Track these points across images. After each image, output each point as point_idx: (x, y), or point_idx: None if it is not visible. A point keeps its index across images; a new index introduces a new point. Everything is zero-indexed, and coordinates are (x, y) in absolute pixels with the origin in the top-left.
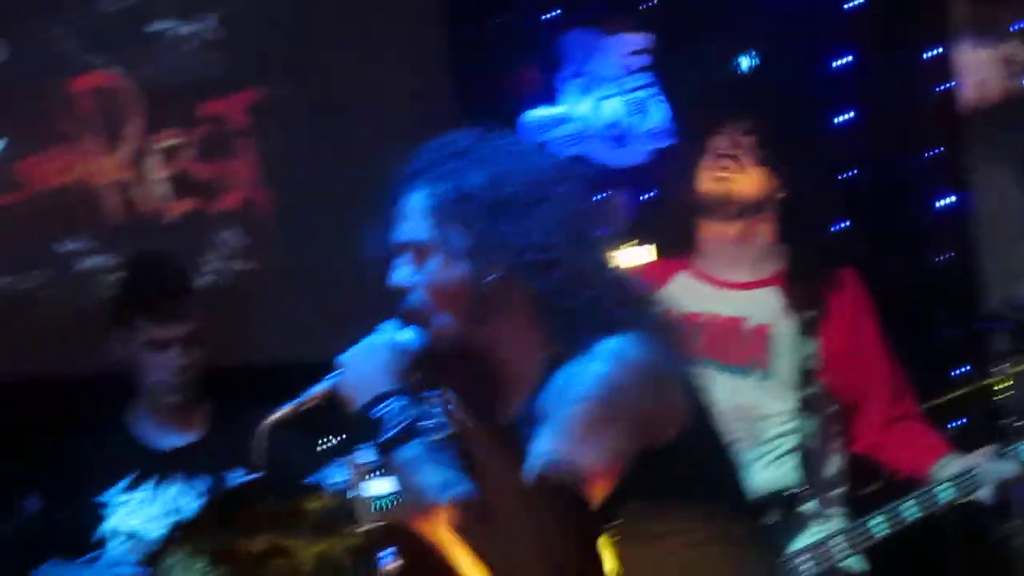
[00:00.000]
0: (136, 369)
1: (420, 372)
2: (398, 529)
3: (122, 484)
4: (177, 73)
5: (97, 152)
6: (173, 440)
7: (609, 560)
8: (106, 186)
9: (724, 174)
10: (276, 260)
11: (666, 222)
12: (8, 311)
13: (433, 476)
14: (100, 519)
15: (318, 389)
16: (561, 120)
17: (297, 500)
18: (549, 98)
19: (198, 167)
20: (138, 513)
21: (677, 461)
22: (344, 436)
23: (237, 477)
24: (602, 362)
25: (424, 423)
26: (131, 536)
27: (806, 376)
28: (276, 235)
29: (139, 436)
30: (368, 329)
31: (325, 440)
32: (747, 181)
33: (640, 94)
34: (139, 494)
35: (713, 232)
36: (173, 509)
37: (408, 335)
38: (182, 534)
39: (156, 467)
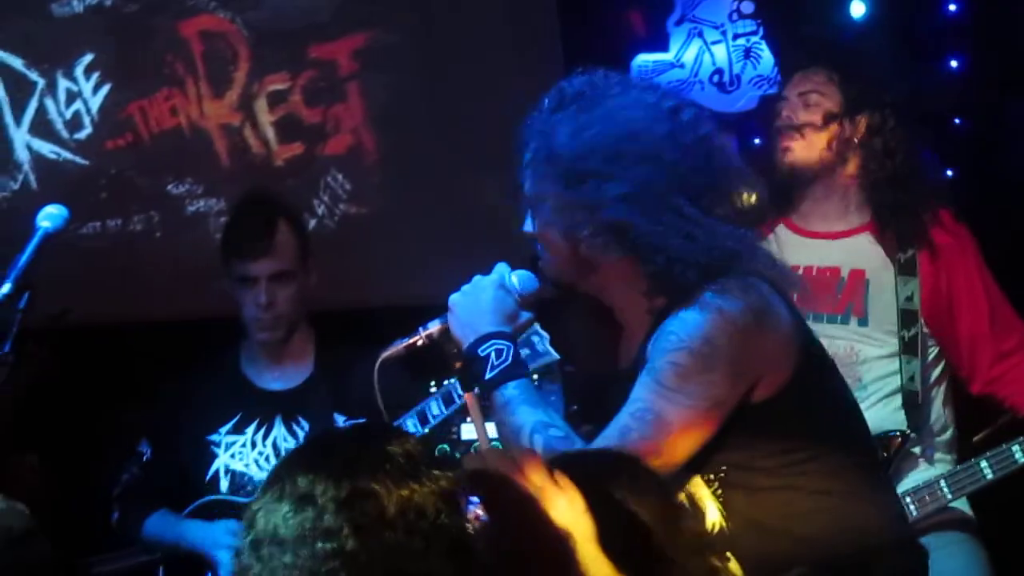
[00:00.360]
0: (239, 307)
1: (528, 314)
2: (488, 475)
3: (229, 424)
4: (285, 17)
5: (206, 95)
6: (279, 382)
7: (712, 510)
8: (215, 129)
9: (786, 143)
10: (382, 203)
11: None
12: (120, 253)
13: (531, 415)
14: (211, 458)
15: (430, 327)
16: (668, 66)
17: (383, 444)
18: (657, 43)
19: (305, 111)
20: (243, 455)
21: (785, 411)
22: (447, 376)
23: (339, 421)
24: (699, 311)
25: (529, 364)
26: (235, 477)
27: (906, 317)
28: (382, 178)
29: (248, 375)
30: (473, 271)
31: (428, 380)
32: (810, 145)
33: (747, 40)
34: (244, 436)
35: (800, 188)
36: (275, 451)
37: (519, 278)
38: (268, 478)
39: (261, 408)
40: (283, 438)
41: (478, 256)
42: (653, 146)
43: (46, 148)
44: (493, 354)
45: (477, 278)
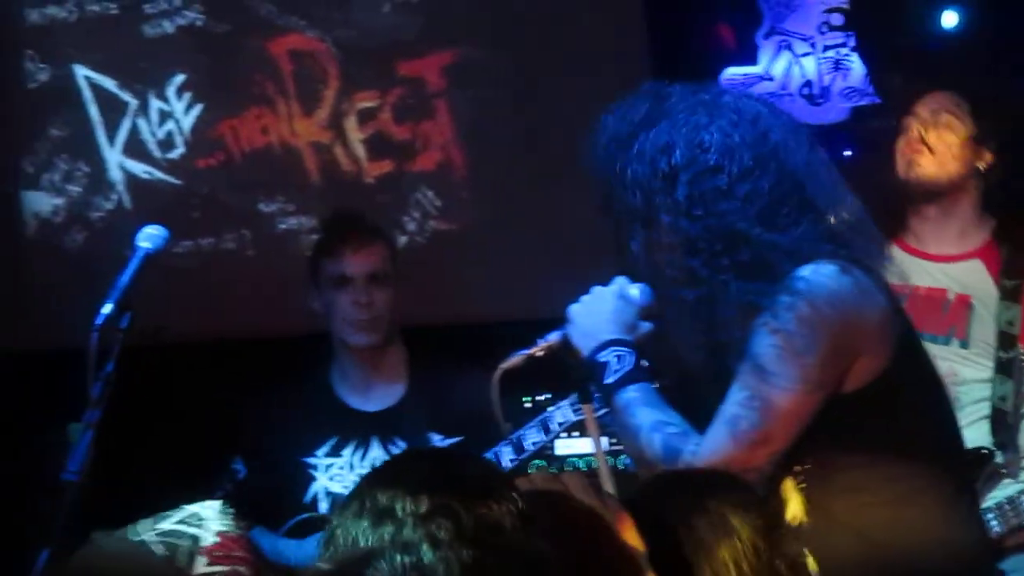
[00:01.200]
0: (330, 318)
1: (648, 325)
2: (552, 496)
3: (326, 446)
4: (373, 34)
5: (296, 114)
6: (374, 403)
7: (794, 503)
8: (305, 147)
9: (917, 158)
10: (472, 219)
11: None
12: (212, 271)
13: (649, 416)
14: (308, 480)
15: (549, 338)
16: (758, 79)
17: (460, 464)
18: (746, 57)
19: (395, 128)
20: (342, 477)
21: (875, 406)
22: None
23: (434, 440)
24: (793, 294)
25: (646, 369)
26: (336, 500)
27: (1004, 339)
28: (472, 194)
29: (342, 397)
30: (564, 285)
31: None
32: (940, 163)
33: (836, 52)
34: (342, 458)
35: (917, 209)
36: None
37: (639, 289)
38: (348, 496)
39: (357, 430)
40: (381, 459)
41: (568, 270)
42: (767, 157)
43: (139, 168)
44: (614, 360)
45: (596, 288)
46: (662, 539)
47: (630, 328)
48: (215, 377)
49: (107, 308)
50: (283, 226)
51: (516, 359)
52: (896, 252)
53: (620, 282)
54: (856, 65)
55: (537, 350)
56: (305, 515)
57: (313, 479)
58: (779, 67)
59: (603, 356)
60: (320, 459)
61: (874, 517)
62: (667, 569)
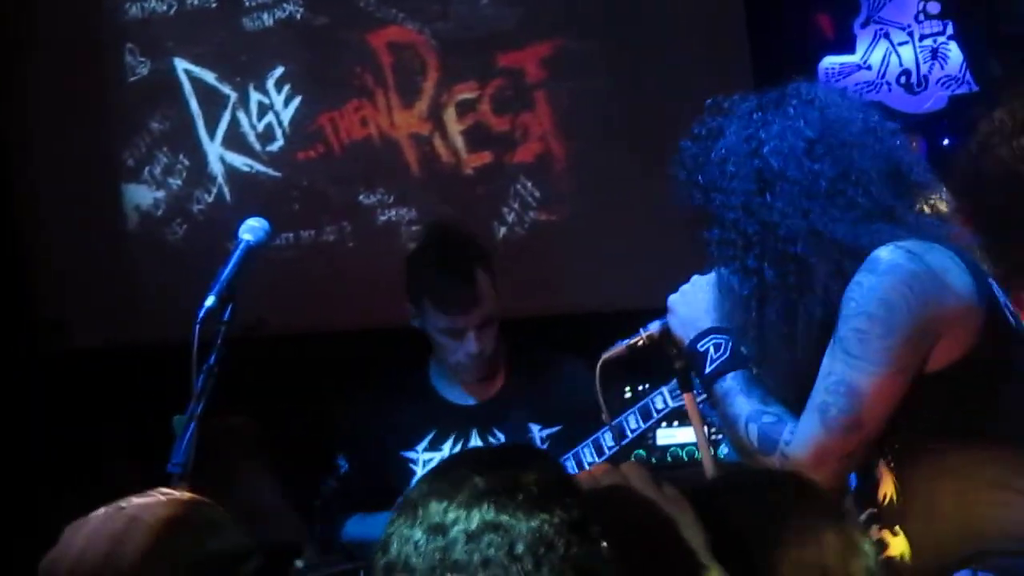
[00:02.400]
0: (437, 348)
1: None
2: (607, 497)
3: (425, 441)
4: (472, 26)
5: (395, 106)
6: (473, 396)
7: (886, 484)
8: (404, 139)
9: None
10: (572, 210)
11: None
12: (312, 264)
13: (747, 405)
14: (409, 475)
15: (651, 327)
16: (855, 67)
17: (517, 471)
18: (844, 46)
19: (494, 119)
20: None
21: (963, 387)
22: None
23: (534, 431)
24: (875, 274)
25: (744, 357)
26: None
27: None
28: (572, 185)
29: (440, 391)
30: (665, 275)
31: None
32: None
33: (934, 40)
34: (441, 452)
35: None
36: None
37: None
38: (405, 503)
39: (457, 423)
40: None
41: (668, 261)
42: (847, 151)
43: (239, 161)
44: (712, 348)
45: (696, 277)
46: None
47: (729, 318)
48: (315, 369)
49: (210, 301)
50: (383, 218)
51: (618, 349)
52: None
53: (714, 272)
54: (954, 53)
55: (639, 340)
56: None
57: (414, 474)
58: (876, 56)
59: (702, 345)
60: (420, 454)
61: (970, 500)
62: (738, 565)
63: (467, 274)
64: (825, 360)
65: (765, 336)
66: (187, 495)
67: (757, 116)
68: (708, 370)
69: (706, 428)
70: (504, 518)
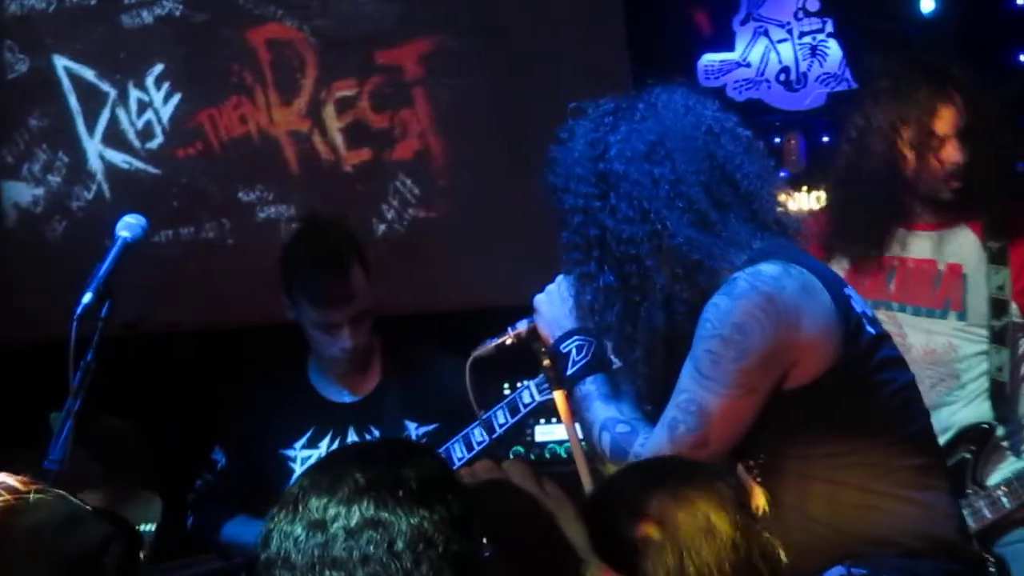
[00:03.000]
0: (310, 341)
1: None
2: (486, 490)
3: (303, 439)
4: (351, 23)
5: (274, 103)
6: (349, 394)
7: (756, 494)
8: (283, 136)
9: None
10: (451, 207)
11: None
12: (192, 260)
13: (603, 411)
14: (288, 473)
15: (518, 326)
16: (735, 65)
17: (398, 467)
18: (723, 43)
19: (373, 116)
20: None
21: (823, 402)
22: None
23: (410, 428)
24: (731, 297)
25: (605, 359)
26: None
27: (996, 306)
28: (450, 182)
29: (318, 388)
30: (542, 273)
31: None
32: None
33: (813, 38)
34: (319, 449)
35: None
36: None
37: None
38: (285, 498)
39: (334, 421)
40: None
41: (547, 259)
42: (694, 156)
43: (119, 158)
44: (574, 350)
45: (560, 277)
46: (626, 529)
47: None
48: (195, 366)
49: (87, 297)
50: (263, 215)
51: (487, 347)
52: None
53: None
54: (833, 50)
55: (506, 338)
56: None
57: (292, 471)
58: (756, 53)
59: (565, 346)
60: (297, 451)
61: (839, 506)
62: (625, 559)
63: (341, 269)
64: (681, 375)
65: (610, 339)
66: (37, 488)
67: (608, 120)
68: (569, 372)
69: (577, 426)
70: (384, 515)
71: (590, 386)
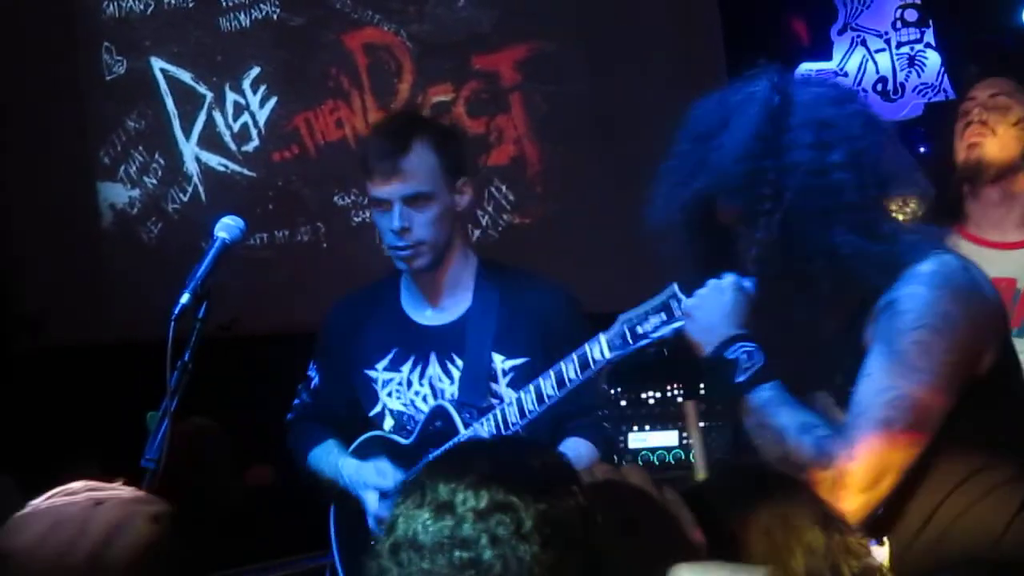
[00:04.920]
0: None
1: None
2: (616, 488)
3: (386, 360)
4: (448, 29)
5: (370, 107)
6: (437, 316)
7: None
8: None
9: (975, 139)
10: (545, 213)
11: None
12: (286, 263)
13: (794, 417)
14: (371, 393)
15: (664, 331)
16: (832, 75)
17: (525, 457)
18: (821, 52)
19: (468, 121)
20: (400, 393)
21: (987, 396)
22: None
23: (495, 361)
24: (929, 287)
25: (774, 366)
26: (396, 417)
27: None
28: (545, 188)
29: (405, 309)
30: (638, 279)
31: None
32: (1001, 145)
33: (911, 48)
34: (400, 373)
35: (977, 195)
36: (432, 391)
37: (750, 282)
38: (408, 483)
39: (417, 344)
40: (438, 378)
41: (642, 265)
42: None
43: (214, 160)
44: (743, 356)
45: (712, 282)
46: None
47: (746, 323)
48: (288, 370)
49: (185, 298)
50: (357, 219)
51: (625, 353)
52: (960, 242)
53: (731, 277)
54: (931, 61)
55: (650, 344)
56: (370, 434)
57: (375, 392)
58: (853, 63)
59: (731, 352)
60: (380, 373)
61: (970, 510)
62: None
63: (401, 140)
64: (876, 372)
65: (794, 341)
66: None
67: (775, 109)
68: (742, 378)
69: (674, 434)
70: (513, 499)
71: (771, 392)
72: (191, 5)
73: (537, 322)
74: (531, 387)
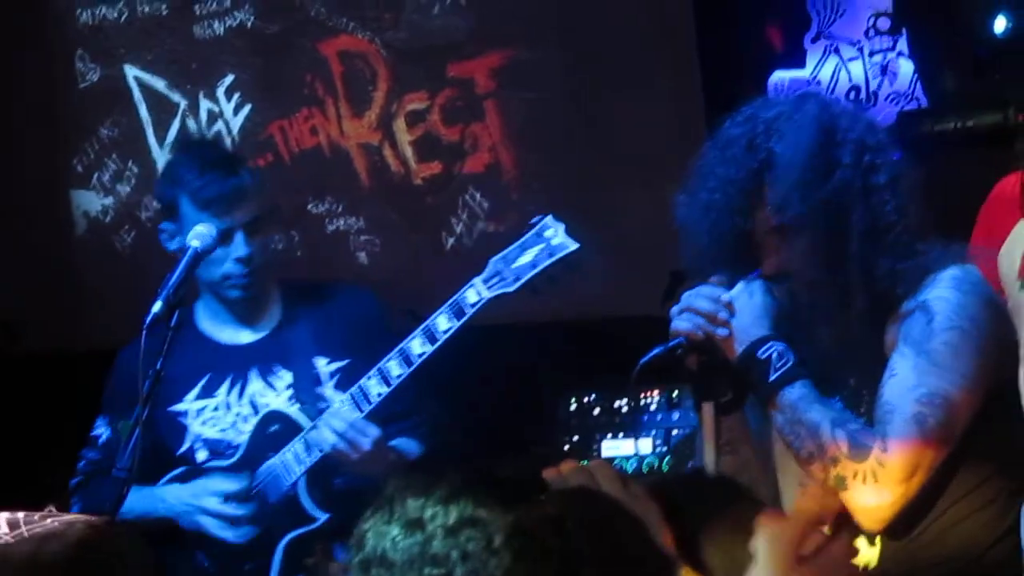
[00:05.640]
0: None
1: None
2: (584, 495)
3: (196, 389)
4: (423, 36)
5: (345, 115)
6: (249, 332)
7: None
8: (354, 149)
9: None
10: (521, 221)
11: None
12: None
13: (827, 412)
14: (180, 430)
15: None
16: (805, 83)
17: (492, 469)
18: (794, 61)
19: (444, 129)
20: (216, 419)
21: (1003, 405)
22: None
23: (320, 366)
24: (961, 291)
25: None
26: (212, 446)
27: None
28: (521, 196)
29: (207, 333)
30: (615, 287)
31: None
32: None
33: (884, 56)
34: (215, 398)
35: None
36: (254, 409)
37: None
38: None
39: (231, 365)
40: (260, 393)
41: (619, 272)
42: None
43: None
44: (775, 356)
45: (743, 284)
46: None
47: (776, 324)
48: None
49: (157, 307)
50: (332, 227)
51: (655, 355)
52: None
53: (760, 280)
54: (903, 69)
55: (678, 346)
56: (181, 469)
57: (186, 428)
58: (826, 71)
59: (763, 352)
60: (189, 404)
61: (971, 517)
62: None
63: (232, 168)
64: (905, 371)
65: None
66: (94, 519)
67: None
68: (774, 376)
69: (648, 441)
70: (482, 512)
71: (802, 388)
72: (165, 13)
73: (352, 323)
74: (396, 353)
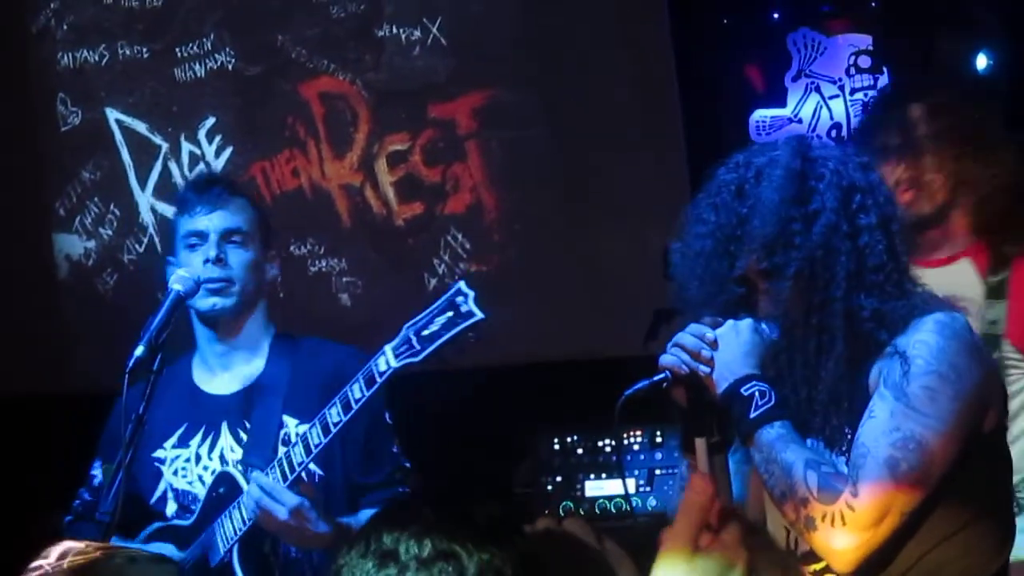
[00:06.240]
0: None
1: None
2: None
3: (174, 436)
4: (404, 77)
5: (327, 157)
6: (229, 384)
7: None
8: (336, 190)
9: (905, 196)
10: (503, 261)
11: None
12: None
13: (802, 453)
14: (157, 477)
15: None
16: (786, 121)
17: (467, 507)
18: (775, 99)
19: (425, 170)
20: (186, 471)
21: (993, 454)
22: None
23: (288, 425)
24: (941, 335)
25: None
26: (179, 497)
27: (991, 341)
28: (503, 236)
29: (196, 381)
30: (595, 327)
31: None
32: (928, 197)
33: (864, 94)
34: (188, 449)
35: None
36: (221, 464)
37: (767, 325)
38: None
39: (208, 416)
40: (230, 448)
41: (599, 312)
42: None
43: (170, 210)
44: (757, 394)
45: (731, 323)
46: None
47: (762, 364)
48: None
49: (139, 350)
50: (314, 268)
51: (640, 388)
52: None
53: (748, 320)
54: None
55: (663, 380)
56: (155, 525)
57: (161, 475)
58: (807, 109)
59: (746, 390)
60: (168, 451)
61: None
62: None
63: (216, 182)
64: (882, 415)
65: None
66: (95, 547)
67: (797, 172)
68: (754, 415)
69: (632, 482)
70: (456, 547)
71: (781, 429)
72: (146, 56)
73: (330, 384)
74: (316, 421)
